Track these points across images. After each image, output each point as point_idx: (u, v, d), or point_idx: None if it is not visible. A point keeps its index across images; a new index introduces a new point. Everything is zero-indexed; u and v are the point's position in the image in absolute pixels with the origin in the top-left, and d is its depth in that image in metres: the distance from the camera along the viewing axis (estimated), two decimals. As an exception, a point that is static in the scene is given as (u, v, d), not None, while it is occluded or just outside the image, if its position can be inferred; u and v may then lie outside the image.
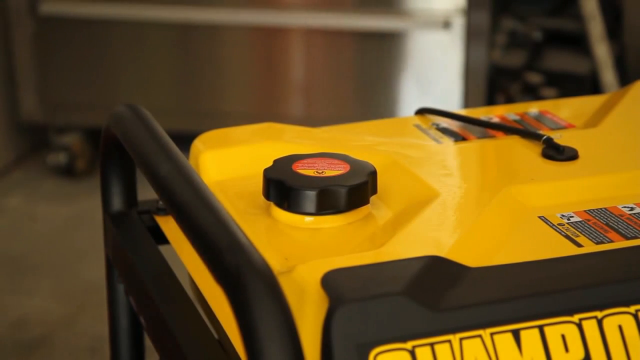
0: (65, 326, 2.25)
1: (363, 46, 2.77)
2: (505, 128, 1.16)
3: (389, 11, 2.73)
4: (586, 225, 0.94)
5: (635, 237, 0.92)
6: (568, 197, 1.00)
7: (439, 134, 1.17)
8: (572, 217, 0.96)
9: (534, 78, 2.84)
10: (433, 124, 1.20)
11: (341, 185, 0.96)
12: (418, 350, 0.78)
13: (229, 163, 1.10)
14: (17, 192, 2.87)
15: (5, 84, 2.97)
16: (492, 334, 0.80)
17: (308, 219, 0.98)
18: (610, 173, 1.03)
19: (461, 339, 0.79)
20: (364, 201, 0.97)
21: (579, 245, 0.91)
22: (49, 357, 1.88)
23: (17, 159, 3.04)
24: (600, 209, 0.98)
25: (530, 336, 0.81)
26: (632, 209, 0.97)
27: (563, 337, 0.81)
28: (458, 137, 1.16)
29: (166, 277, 1.04)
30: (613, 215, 0.96)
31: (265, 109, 2.87)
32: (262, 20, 2.81)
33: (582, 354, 0.81)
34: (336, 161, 1.01)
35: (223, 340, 0.94)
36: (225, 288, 0.73)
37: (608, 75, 2.75)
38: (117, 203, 1.15)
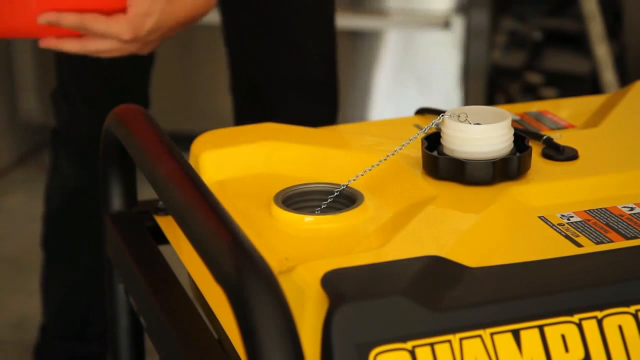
0: (65, 326, 2.25)
1: (363, 46, 2.76)
2: (505, 128, 1.16)
3: (389, 11, 2.73)
4: (586, 225, 0.94)
5: (635, 237, 0.92)
6: (568, 197, 0.99)
7: (439, 134, 1.16)
8: (572, 217, 0.96)
9: (534, 78, 2.83)
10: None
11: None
12: (418, 350, 0.78)
13: (229, 163, 1.10)
14: (17, 192, 2.87)
15: (5, 84, 2.97)
16: (492, 334, 0.80)
17: (308, 219, 0.98)
18: (610, 173, 1.03)
19: (461, 339, 0.79)
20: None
21: (579, 245, 0.91)
22: (49, 357, 1.88)
23: (17, 159, 3.03)
24: (600, 209, 0.97)
25: (530, 336, 0.81)
26: (632, 209, 0.97)
27: (563, 337, 0.81)
28: (458, 137, 1.15)
29: (166, 277, 1.04)
30: (613, 215, 0.96)
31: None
32: (262, 20, 2.80)
33: (582, 354, 0.81)
34: None
35: (223, 340, 0.94)
36: (225, 288, 0.73)
37: (608, 75, 2.75)
38: (117, 203, 1.14)
